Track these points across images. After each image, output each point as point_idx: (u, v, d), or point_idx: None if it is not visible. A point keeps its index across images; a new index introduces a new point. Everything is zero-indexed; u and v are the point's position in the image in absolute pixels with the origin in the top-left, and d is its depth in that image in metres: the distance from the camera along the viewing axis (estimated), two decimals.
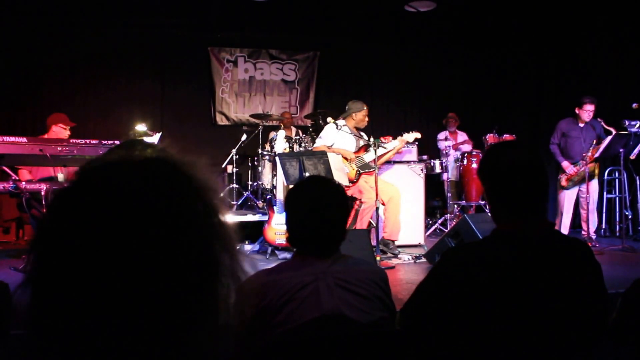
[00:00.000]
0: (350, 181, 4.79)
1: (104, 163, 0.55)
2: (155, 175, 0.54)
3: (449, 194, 6.43)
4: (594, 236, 5.45)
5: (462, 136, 7.10)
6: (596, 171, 5.38)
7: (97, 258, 0.48)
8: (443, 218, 6.34)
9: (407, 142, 5.11)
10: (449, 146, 6.69)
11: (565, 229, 5.36)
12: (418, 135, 5.10)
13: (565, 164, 5.40)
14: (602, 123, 5.20)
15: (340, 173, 4.62)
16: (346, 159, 4.87)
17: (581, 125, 5.43)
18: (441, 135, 7.13)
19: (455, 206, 6.40)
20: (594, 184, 5.39)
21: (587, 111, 5.38)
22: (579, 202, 5.49)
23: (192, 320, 0.52)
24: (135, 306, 0.49)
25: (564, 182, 5.39)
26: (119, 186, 0.52)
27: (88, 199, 0.51)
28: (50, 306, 0.49)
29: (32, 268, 0.51)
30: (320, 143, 4.94)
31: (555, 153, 5.50)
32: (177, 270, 0.51)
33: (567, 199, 5.42)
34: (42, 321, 0.50)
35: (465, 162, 6.35)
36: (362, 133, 5.08)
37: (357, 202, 4.75)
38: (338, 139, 4.92)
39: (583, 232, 5.50)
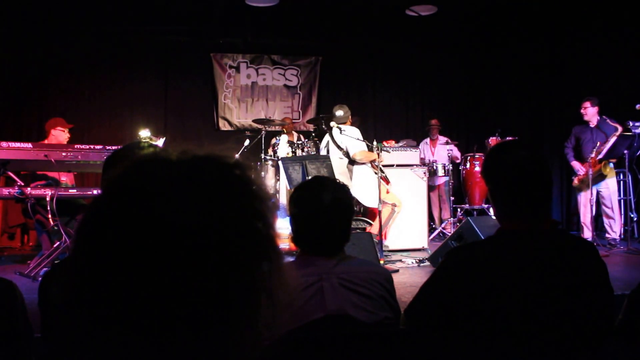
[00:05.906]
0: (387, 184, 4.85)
1: (147, 159, 0.53)
2: (209, 174, 0.52)
3: (452, 198, 6.42)
4: (617, 239, 5.36)
5: (442, 145, 6.76)
6: (608, 171, 5.29)
7: (139, 257, 0.47)
8: (446, 222, 6.33)
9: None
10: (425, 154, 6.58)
11: (588, 232, 5.33)
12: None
13: (574, 163, 5.44)
14: (608, 120, 5.17)
15: (343, 177, 4.65)
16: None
17: (592, 126, 5.44)
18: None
19: (459, 210, 6.38)
20: (612, 185, 5.33)
21: (583, 108, 5.40)
22: (600, 205, 5.45)
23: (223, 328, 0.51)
24: (168, 307, 0.48)
25: (575, 182, 5.41)
26: (170, 183, 0.50)
27: (136, 198, 0.49)
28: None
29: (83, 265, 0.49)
30: (355, 150, 4.80)
31: (568, 154, 5.56)
32: (214, 272, 0.49)
33: (581, 201, 5.41)
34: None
35: (468, 165, 6.33)
36: None
37: (393, 206, 4.78)
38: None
39: (607, 235, 5.45)
